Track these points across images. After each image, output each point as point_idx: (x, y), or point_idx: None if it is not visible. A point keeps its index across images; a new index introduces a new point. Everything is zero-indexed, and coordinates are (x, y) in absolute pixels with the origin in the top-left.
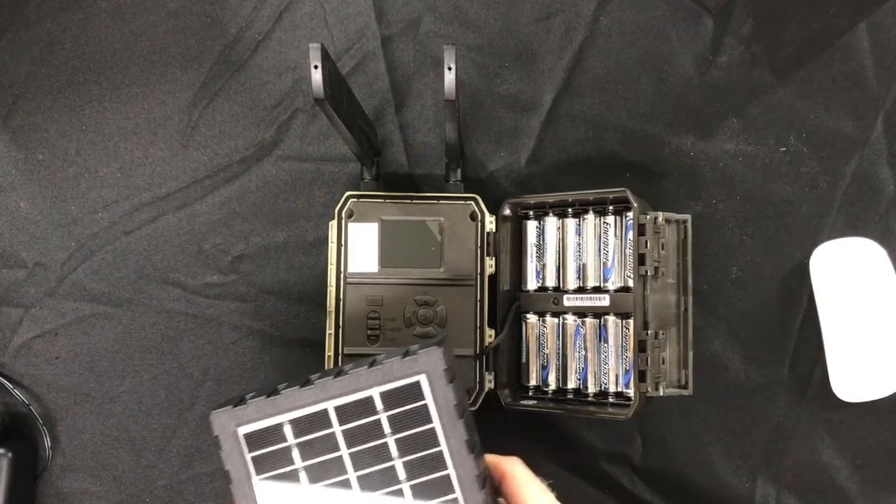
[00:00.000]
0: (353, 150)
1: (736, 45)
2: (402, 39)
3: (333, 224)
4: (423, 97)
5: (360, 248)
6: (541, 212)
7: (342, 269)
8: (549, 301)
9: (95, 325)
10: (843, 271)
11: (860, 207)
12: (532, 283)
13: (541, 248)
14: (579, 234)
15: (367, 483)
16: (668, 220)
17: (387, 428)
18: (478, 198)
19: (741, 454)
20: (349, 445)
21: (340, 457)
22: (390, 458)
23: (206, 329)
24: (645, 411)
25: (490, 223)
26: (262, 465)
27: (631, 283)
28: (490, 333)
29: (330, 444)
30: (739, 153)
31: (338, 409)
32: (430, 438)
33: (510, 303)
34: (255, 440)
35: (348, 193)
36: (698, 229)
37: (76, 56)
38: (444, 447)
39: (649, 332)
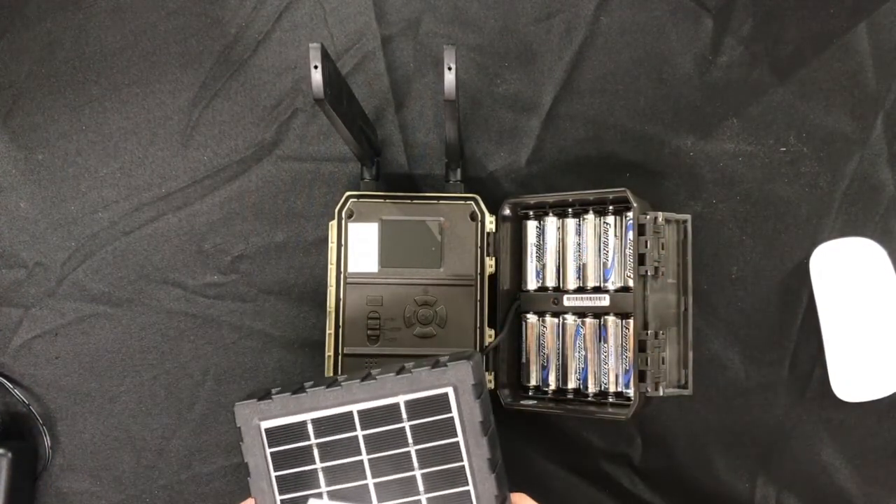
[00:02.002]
0: (353, 150)
1: (736, 45)
2: (402, 39)
3: (333, 224)
4: (423, 97)
5: (360, 248)
6: (541, 212)
7: (342, 269)
8: (549, 301)
9: (95, 325)
10: (842, 271)
11: (860, 207)
12: (532, 283)
13: (541, 248)
14: (579, 234)
15: (385, 491)
16: (668, 220)
17: (410, 437)
18: (478, 198)
19: (741, 454)
20: (370, 451)
21: (361, 461)
22: (411, 469)
23: (206, 329)
24: (645, 411)
25: (490, 223)
26: (281, 461)
27: (631, 283)
28: (490, 333)
29: (351, 447)
30: (739, 153)
31: (362, 412)
32: (452, 453)
33: (510, 303)
34: (276, 436)
35: (348, 193)
36: (698, 229)
37: (76, 56)
38: (465, 463)
39: (649, 332)
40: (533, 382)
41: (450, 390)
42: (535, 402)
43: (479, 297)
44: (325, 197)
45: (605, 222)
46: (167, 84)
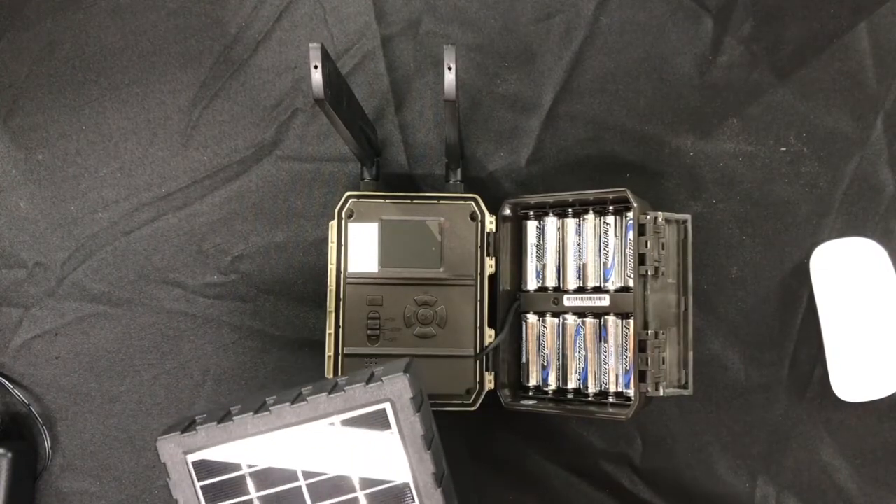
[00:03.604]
0: (353, 150)
1: (736, 45)
2: (402, 39)
3: (333, 224)
4: (423, 97)
5: (360, 248)
6: (541, 212)
7: (342, 269)
8: (549, 301)
9: (95, 325)
10: (843, 271)
11: (860, 207)
12: (532, 283)
13: (541, 248)
14: (579, 234)
15: None
16: (668, 220)
17: (349, 457)
18: (478, 198)
19: (741, 454)
20: (307, 476)
21: (299, 488)
22: (353, 491)
23: (206, 329)
24: (645, 411)
25: (490, 223)
26: (213, 494)
27: (631, 283)
28: (490, 333)
29: (286, 473)
30: (739, 153)
31: (293, 434)
32: (395, 470)
33: (510, 303)
34: (205, 469)
35: (348, 193)
36: (698, 229)
37: (76, 56)
38: (410, 480)
39: (649, 332)
40: (533, 382)
41: (387, 406)
42: (536, 402)
43: (479, 297)
44: (325, 197)
45: (605, 222)
46: (167, 84)
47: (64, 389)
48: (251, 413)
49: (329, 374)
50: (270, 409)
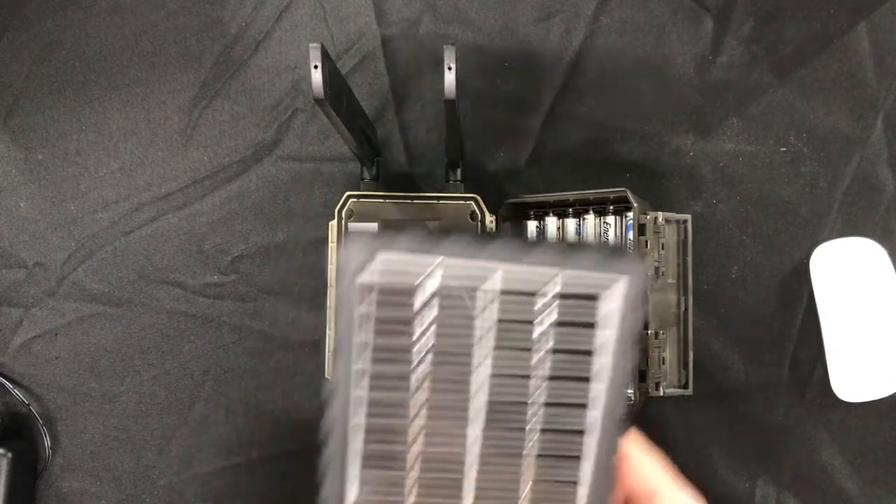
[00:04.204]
0: (353, 150)
1: (736, 45)
2: (402, 39)
3: (333, 224)
4: (423, 97)
5: None
6: (541, 212)
7: None
8: None
9: (95, 325)
10: (843, 271)
11: (860, 207)
12: None
13: None
14: (579, 234)
15: (497, 388)
16: (668, 220)
17: (544, 325)
18: (478, 198)
19: (741, 454)
20: (499, 334)
21: (473, 338)
22: (537, 370)
23: (206, 329)
24: (645, 411)
25: (490, 223)
26: (384, 306)
27: None
28: None
29: (463, 334)
30: (739, 153)
31: (506, 277)
32: (591, 354)
33: None
34: (390, 270)
35: (348, 193)
36: (698, 229)
37: (76, 56)
38: (602, 371)
39: (649, 332)
40: None
41: (617, 284)
42: None
43: None
44: (325, 197)
45: (605, 222)
46: (167, 84)
47: (64, 389)
48: (468, 237)
49: (330, 373)
50: (494, 240)
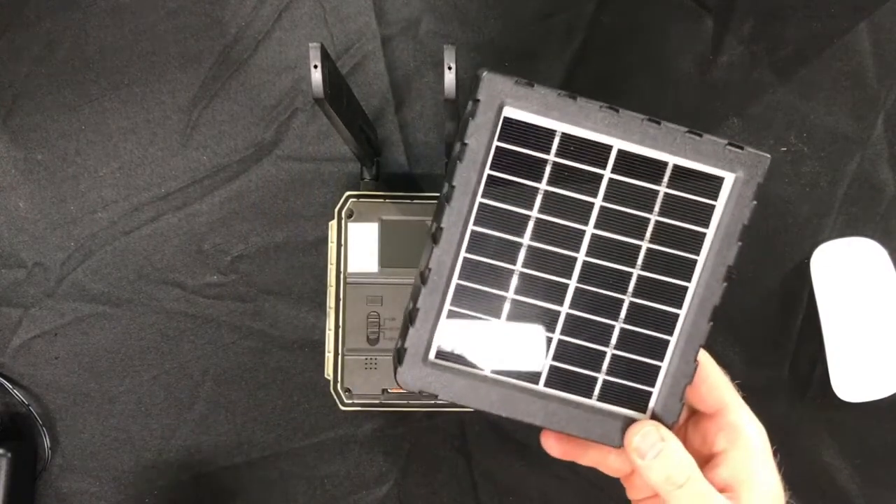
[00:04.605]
0: (352, 150)
1: (736, 44)
2: (402, 39)
3: (333, 224)
4: (423, 97)
5: (360, 248)
6: None
7: (342, 268)
8: None
9: (95, 326)
10: (843, 271)
11: (861, 207)
12: None
13: None
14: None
15: (599, 247)
16: None
17: (657, 205)
18: None
19: None
20: (607, 199)
21: (591, 205)
22: (640, 238)
23: (206, 329)
24: None
25: None
26: (503, 161)
27: None
28: None
29: (588, 185)
30: None
31: (622, 153)
32: (693, 243)
33: None
34: (514, 131)
35: (348, 193)
36: None
37: (76, 56)
38: (700, 260)
39: None
40: None
41: (731, 176)
42: None
43: None
44: (324, 197)
45: None
46: (167, 84)
47: (63, 390)
48: (598, 105)
49: (329, 373)
50: (620, 112)
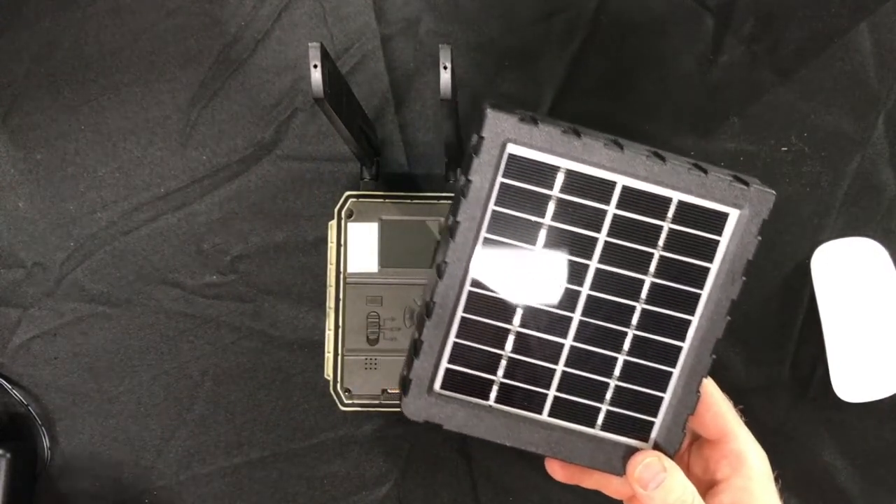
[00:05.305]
0: (352, 150)
1: (737, 44)
2: (402, 39)
3: (333, 224)
4: (423, 96)
5: (359, 247)
6: None
7: (342, 268)
8: None
9: (94, 326)
10: (844, 271)
11: (861, 207)
12: None
13: None
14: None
15: (603, 283)
16: None
17: (661, 240)
18: None
19: None
20: (611, 234)
21: (595, 240)
22: (644, 272)
23: (205, 329)
24: None
25: None
26: (508, 197)
27: None
28: None
29: (593, 220)
30: (740, 153)
31: (626, 189)
32: (697, 277)
33: None
34: (517, 167)
35: (348, 193)
36: None
37: (75, 55)
38: (704, 294)
39: None
40: None
41: (736, 213)
42: None
43: None
44: (324, 197)
45: None
46: (166, 84)
47: (63, 390)
48: (602, 142)
49: (329, 373)
50: (624, 149)
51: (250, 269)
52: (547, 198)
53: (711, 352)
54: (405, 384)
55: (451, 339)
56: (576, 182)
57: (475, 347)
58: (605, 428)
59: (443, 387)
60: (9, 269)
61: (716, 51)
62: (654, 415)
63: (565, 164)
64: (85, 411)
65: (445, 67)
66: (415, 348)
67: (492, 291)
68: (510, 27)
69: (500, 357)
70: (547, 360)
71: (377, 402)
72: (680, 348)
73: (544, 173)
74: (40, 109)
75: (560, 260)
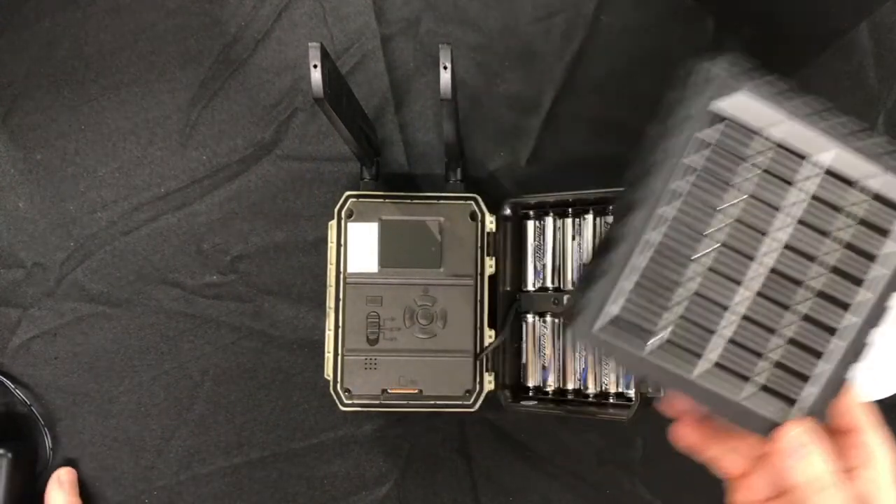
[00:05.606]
0: (352, 150)
1: (737, 44)
2: (402, 39)
3: (333, 224)
4: (423, 96)
5: (359, 248)
6: (541, 212)
7: (342, 269)
8: (549, 301)
9: (94, 326)
10: None
11: None
12: (532, 283)
13: (541, 248)
14: (580, 234)
15: (782, 255)
16: None
17: (849, 216)
18: (478, 198)
19: None
20: (815, 197)
21: (786, 207)
22: (838, 242)
23: (206, 329)
24: (645, 412)
25: (490, 223)
26: (704, 151)
27: None
28: (490, 334)
29: (777, 193)
30: None
31: (827, 168)
32: (869, 263)
33: (509, 303)
34: (723, 126)
35: (348, 193)
36: None
37: (75, 55)
38: (885, 277)
39: None
40: (533, 383)
41: None
42: (535, 402)
43: (479, 298)
44: (324, 197)
45: (605, 222)
46: (166, 84)
47: (63, 390)
48: (813, 108)
49: (329, 373)
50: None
51: (250, 269)
52: (746, 158)
53: (866, 343)
54: (573, 312)
55: (625, 279)
56: (793, 133)
57: (645, 296)
58: (755, 393)
59: (610, 322)
60: (9, 269)
61: (716, 51)
62: (813, 385)
63: (769, 121)
64: (85, 411)
65: (445, 67)
66: (588, 279)
67: (672, 241)
68: (510, 27)
69: (667, 307)
70: (716, 316)
71: (377, 402)
72: (850, 324)
73: (744, 134)
74: (40, 109)
75: (747, 228)
